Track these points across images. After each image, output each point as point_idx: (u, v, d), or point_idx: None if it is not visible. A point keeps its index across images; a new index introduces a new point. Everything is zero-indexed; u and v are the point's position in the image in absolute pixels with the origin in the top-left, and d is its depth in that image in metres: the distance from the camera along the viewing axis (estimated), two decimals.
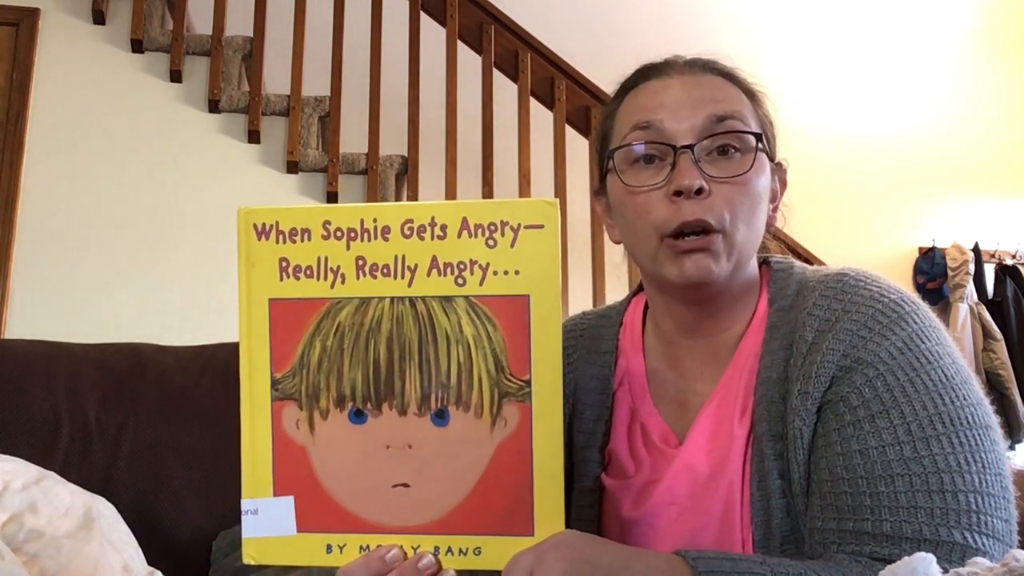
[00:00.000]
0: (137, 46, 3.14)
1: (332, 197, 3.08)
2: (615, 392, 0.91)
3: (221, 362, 1.48)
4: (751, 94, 0.86)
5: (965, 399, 0.74)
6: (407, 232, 0.69)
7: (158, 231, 3.01)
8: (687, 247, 0.78)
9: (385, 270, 0.69)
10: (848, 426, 0.74)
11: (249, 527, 0.70)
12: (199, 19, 3.48)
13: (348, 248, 0.69)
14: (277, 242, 0.70)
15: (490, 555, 0.68)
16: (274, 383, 0.70)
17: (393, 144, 3.27)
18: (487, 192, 3.05)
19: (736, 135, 0.80)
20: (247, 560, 0.71)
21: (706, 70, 0.85)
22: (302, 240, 0.70)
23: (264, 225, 0.70)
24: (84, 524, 1.12)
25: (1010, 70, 4.70)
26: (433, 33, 3.20)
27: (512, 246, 0.68)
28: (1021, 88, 4.70)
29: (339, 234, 0.69)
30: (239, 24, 3.33)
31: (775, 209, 0.88)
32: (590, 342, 0.95)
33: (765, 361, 0.81)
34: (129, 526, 1.22)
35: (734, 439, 0.80)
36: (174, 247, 3.00)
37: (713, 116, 0.80)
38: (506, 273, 0.68)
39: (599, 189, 0.90)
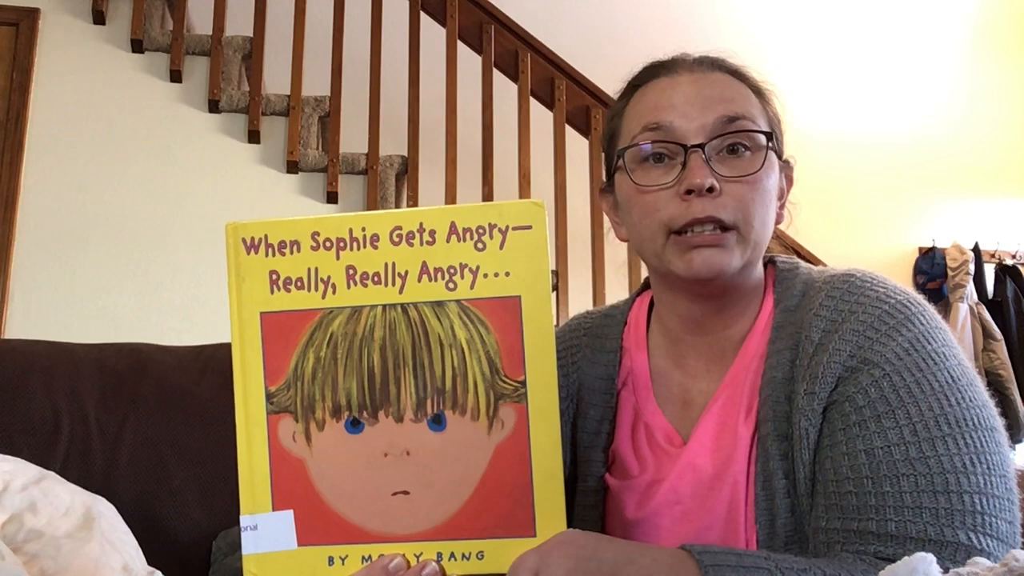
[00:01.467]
0: (137, 46, 3.14)
1: (332, 197, 3.08)
2: (619, 392, 0.91)
3: (221, 362, 1.48)
4: (759, 92, 0.86)
5: (971, 400, 0.74)
6: (396, 239, 0.69)
7: (158, 231, 3.00)
8: (695, 242, 0.78)
9: (376, 278, 0.69)
10: (854, 426, 0.74)
11: (249, 543, 0.70)
12: (199, 19, 3.48)
13: (338, 258, 0.69)
14: (266, 255, 0.70)
15: (493, 558, 0.68)
16: (269, 397, 0.70)
17: (393, 144, 3.27)
18: (487, 192, 3.05)
19: (747, 134, 0.80)
20: None
21: (715, 68, 0.85)
22: (291, 252, 0.70)
23: (253, 239, 0.70)
24: (84, 524, 1.12)
25: (1010, 70, 4.70)
26: (433, 33, 3.19)
27: (501, 248, 0.68)
28: (1021, 88, 4.70)
29: (328, 244, 0.70)
30: (239, 24, 3.33)
31: (782, 207, 0.88)
32: (594, 341, 0.95)
33: (771, 361, 0.81)
34: (129, 526, 1.22)
35: (739, 439, 0.80)
36: (174, 247, 2.99)
37: (724, 117, 0.80)
38: (496, 275, 0.68)
39: (606, 187, 0.89)
